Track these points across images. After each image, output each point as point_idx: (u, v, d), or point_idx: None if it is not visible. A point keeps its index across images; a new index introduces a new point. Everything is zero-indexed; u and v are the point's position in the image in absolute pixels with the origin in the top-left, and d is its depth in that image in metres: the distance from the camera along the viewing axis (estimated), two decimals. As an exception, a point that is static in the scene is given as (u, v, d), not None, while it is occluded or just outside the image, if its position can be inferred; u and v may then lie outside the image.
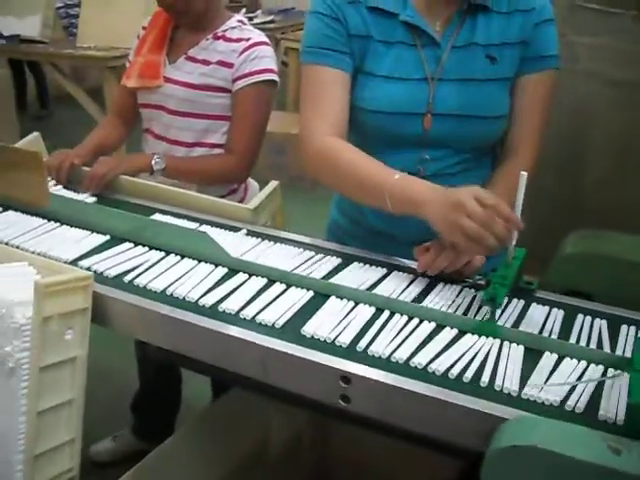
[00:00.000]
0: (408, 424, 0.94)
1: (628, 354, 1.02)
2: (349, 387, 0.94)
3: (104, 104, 4.29)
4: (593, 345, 1.05)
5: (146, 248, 1.30)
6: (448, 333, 1.05)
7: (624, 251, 1.23)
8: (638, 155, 1.65)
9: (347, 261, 1.28)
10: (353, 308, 1.11)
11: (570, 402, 0.90)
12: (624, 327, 1.10)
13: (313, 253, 1.31)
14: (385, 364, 0.97)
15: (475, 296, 1.16)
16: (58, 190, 1.57)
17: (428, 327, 1.06)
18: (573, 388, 0.93)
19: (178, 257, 1.27)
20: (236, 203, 1.57)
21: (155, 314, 1.10)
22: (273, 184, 1.60)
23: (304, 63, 1.32)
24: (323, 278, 1.20)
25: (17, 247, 1.29)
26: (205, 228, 1.40)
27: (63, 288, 1.07)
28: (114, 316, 1.15)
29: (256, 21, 5.61)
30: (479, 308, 1.12)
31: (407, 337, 1.03)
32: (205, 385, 2.07)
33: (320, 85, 1.30)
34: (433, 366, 0.96)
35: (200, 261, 1.25)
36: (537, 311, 1.14)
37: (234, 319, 1.07)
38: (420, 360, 0.97)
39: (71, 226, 1.39)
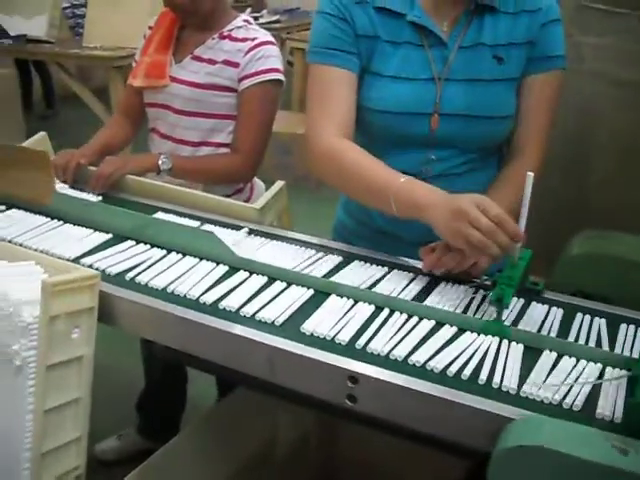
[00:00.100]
0: (415, 424, 0.94)
1: (627, 353, 1.02)
2: (356, 387, 0.94)
3: (110, 104, 4.30)
4: (592, 344, 1.05)
5: (148, 246, 1.31)
6: (447, 331, 1.06)
7: (630, 252, 1.22)
8: (644, 155, 1.65)
9: (348, 259, 1.28)
10: (353, 306, 1.12)
11: (568, 400, 0.90)
12: (623, 326, 1.10)
13: (314, 251, 1.31)
14: (384, 361, 0.98)
15: (475, 296, 1.17)
16: (63, 189, 1.57)
17: (427, 325, 1.07)
18: (571, 386, 0.93)
19: (180, 255, 1.27)
20: (242, 203, 1.57)
21: (163, 314, 1.10)
22: (279, 184, 1.60)
23: (311, 63, 1.32)
24: (324, 276, 1.21)
25: (20, 245, 1.30)
26: (206, 226, 1.40)
27: (70, 287, 1.07)
28: (121, 315, 1.15)
29: (261, 21, 5.60)
30: (478, 307, 1.13)
31: (406, 335, 1.04)
32: (211, 384, 2.08)
33: (327, 85, 1.30)
34: (432, 363, 0.97)
35: (202, 259, 1.26)
36: (537, 309, 1.15)
37: (235, 317, 1.08)
38: (418, 358, 0.98)
39: (74, 224, 1.40)
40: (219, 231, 1.38)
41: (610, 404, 0.90)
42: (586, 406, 0.90)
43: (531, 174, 1.07)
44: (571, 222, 1.43)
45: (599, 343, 1.05)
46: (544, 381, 0.94)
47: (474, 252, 1.08)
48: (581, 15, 1.70)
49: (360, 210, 1.43)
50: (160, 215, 1.46)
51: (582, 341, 1.05)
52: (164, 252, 1.29)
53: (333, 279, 1.18)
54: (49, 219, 1.41)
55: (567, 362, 0.99)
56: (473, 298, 1.16)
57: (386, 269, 1.25)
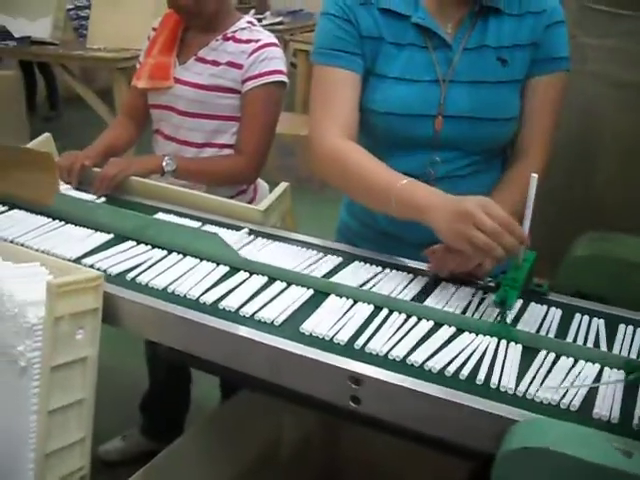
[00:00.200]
0: (418, 425, 0.94)
1: (625, 353, 1.02)
2: (359, 388, 0.94)
3: (114, 105, 4.30)
4: (590, 344, 1.05)
5: (149, 246, 1.31)
6: (446, 331, 1.06)
7: (632, 253, 1.22)
8: (646, 156, 1.65)
9: (348, 260, 1.29)
10: (352, 306, 1.12)
11: (565, 400, 0.90)
12: (622, 326, 1.10)
13: (315, 252, 1.31)
14: (382, 361, 0.98)
15: (474, 297, 1.17)
16: (66, 189, 1.58)
17: (426, 325, 1.07)
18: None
19: (180, 255, 1.28)
20: (246, 204, 1.57)
21: (164, 314, 1.10)
22: (283, 185, 1.60)
23: (315, 64, 1.32)
24: (324, 277, 1.21)
25: (22, 245, 1.31)
26: (207, 227, 1.40)
27: (74, 288, 1.07)
28: (125, 316, 1.16)
29: (265, 22, 5.60)
30: (477, 307, 1.13)
31: (405, 335, 1.04)
32: (214, 386, 2.08)
33: (331, 86, 1.30)
34: (430, 363, 0.97)
35: (202, 259, 1.26)
36: (535, 310, 1.15)
37: (235, 317, 1.08)
38: (417, 358, 0.98)
39: (75, 225, 1.40)
40: (219, 231, 1.38)
41: (607, 404, 0.90)
42: (583, 406, 0.90)
43: (535, 176, 1.07)
44: (575, 224, 1.43)
45: (597, 343, 1.05)
46: (542, 381, 0.94)
47: (478, 254, 1.08)
48: (584, 16, 1.70)
49: (364, 212, 1.43)
50: (160, 216, 1.46)
51: (580, 341, 1.05)
52: (165, 252, 1.29)
53: (333, 279, 1.19)
54: (50, 219, 1.42)
55: (565, 362, 0.99)
56: (472, 299, 1.16)
57: (386, 270, 1.25)
